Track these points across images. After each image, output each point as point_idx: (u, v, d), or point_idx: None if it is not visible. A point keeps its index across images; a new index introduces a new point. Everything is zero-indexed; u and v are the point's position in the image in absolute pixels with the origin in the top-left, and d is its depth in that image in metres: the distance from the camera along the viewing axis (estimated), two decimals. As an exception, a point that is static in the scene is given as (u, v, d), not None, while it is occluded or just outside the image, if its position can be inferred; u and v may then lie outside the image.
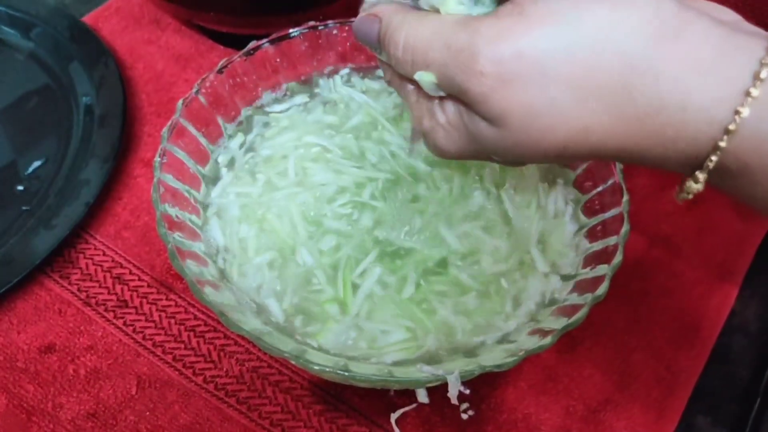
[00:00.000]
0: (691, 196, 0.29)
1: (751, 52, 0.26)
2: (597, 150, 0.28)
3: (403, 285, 0.40)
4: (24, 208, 0.51)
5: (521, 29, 0.27)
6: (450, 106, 0.31)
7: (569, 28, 0.26)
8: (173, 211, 0.41)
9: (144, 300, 0.48)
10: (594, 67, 0.27)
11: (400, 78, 0.33)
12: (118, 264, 0.49)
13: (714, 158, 0.26)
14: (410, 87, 0.33)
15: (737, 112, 0.25)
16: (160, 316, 0.47)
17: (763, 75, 0.25)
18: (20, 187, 0.53)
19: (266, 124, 0.49)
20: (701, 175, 0.27)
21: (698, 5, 0.28)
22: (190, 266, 0.38)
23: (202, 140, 0.46)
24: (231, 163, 0.47)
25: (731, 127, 0.25)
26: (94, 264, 0.49)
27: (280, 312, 0.40)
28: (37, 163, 0.54)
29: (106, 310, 0.47)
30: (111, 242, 0.51)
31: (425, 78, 0.30)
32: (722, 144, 0.26)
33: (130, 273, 0.49)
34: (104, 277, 0.49)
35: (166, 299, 0.48)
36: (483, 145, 0.30)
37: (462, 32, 0.28)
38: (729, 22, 0.28)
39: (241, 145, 0.48)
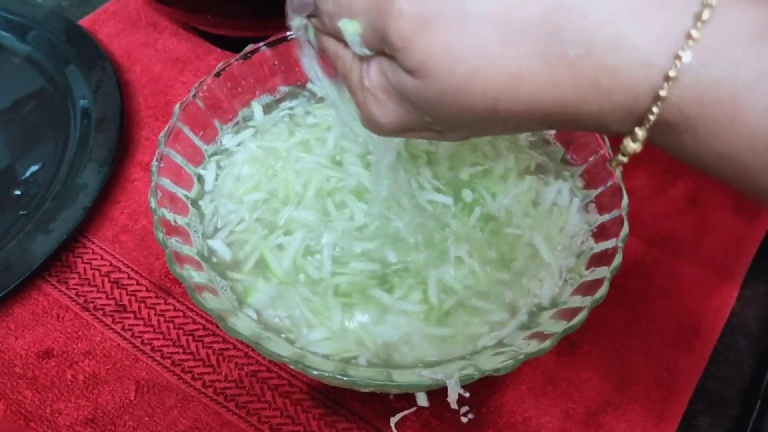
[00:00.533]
0: (626, 159, 0.27)
1: None
2: (532, 105, 0.26)
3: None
4: (21, 212, 0.51)
5: None
6: (374, 66, 0.29)
7: None
8: (171, 216, 0.40)
9: (142, 304, 0.48)
10: (518, 3, 0.25)
11: (336, 43, 0.31)
12: (116, 268, 0.49)
13: (655, 110, 0.24)
14: (343, 54, 0.31)
15: (677, 57, 0.23)
16: (158, 320, 0.47)
17: (704, 16, 0.23)
18: (17, 192, 0.52)
19: (312, 97, 0.50)
20: (641, 132, 0.25)
21: None
22: (189, 271, 0.38)
23: (199, 144, 0.46)
24: (254, 132, 0.48)
25: (671, 73, 0.23)
26: (92, 268, 0.49)
27: (227, 251, 0.41)
28: (34, 168, 0.54)
29: (104, 314, 0.47)
30: (109, 246, 0.50)
31: (349, 27, 0.28)
32: (663, 93, 0.24)
33: (128, 277, 0.49)
34: (102, 281, 0.49)
35: (165, 303, 0.48)
36: (413, 104, 0.28)
37: None
38: None
39: (270, 109, 0.49)
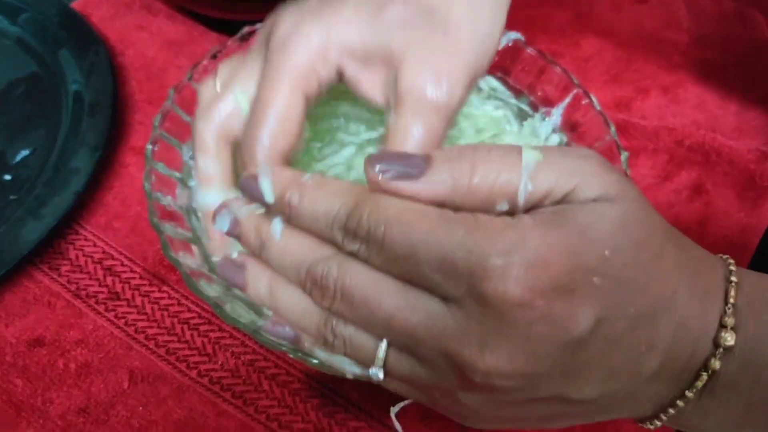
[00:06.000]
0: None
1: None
2: None
3: None
4: (11, 197, 0.50)
5: None
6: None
7: None
8: (166, 201, 0.39)
9: (136, 292, 0.47)
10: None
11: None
12: (109, 255, 0.48)
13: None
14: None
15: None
16: (152, 308, 0.46)
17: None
18: (7, 177, 0.51)
19: None
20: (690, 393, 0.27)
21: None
22: (184, 257, 0.37)
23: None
24: None
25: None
26: (84, 255, 0.48)
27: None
28: (24, 152, 0.53)
29: (96, 302, 0.46)
30: (101, 233, 0.49)
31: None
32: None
33: (122, 264, 0.48)
34: (95, 268, 0.48)
35: (159, 291, 0.47)
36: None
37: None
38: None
39: None
